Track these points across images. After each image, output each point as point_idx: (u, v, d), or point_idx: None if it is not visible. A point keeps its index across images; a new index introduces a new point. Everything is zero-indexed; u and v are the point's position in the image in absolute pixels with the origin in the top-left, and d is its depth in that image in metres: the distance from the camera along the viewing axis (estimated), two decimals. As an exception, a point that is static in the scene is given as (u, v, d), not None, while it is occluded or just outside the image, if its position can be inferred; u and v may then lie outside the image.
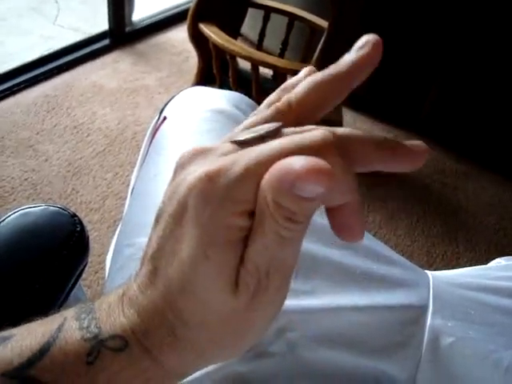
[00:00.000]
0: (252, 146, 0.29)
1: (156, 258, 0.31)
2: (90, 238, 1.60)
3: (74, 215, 0.54)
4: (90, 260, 1.51)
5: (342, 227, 0.29)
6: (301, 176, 0.24)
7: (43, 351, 0.32)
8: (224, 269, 0.29)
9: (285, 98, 0.32)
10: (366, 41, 0.32)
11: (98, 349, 0.32)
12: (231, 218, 0.28)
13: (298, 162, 0.25)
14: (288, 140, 0.28)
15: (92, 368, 0.32)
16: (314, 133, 0.28)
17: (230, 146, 0.30)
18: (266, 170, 0.26)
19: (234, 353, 0.35)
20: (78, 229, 0.52)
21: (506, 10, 1.74)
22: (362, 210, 0.29)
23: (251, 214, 0.28)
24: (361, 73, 0.32)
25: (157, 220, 0.32)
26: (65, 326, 0.33)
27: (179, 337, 0.31)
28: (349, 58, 0.32)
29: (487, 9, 1.77)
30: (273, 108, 0.32)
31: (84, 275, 1.49)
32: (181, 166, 0.31)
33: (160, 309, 0.31)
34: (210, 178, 0.28)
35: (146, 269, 0.32)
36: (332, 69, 0.32)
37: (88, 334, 0.32)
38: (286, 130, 0.30)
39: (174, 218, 0.30)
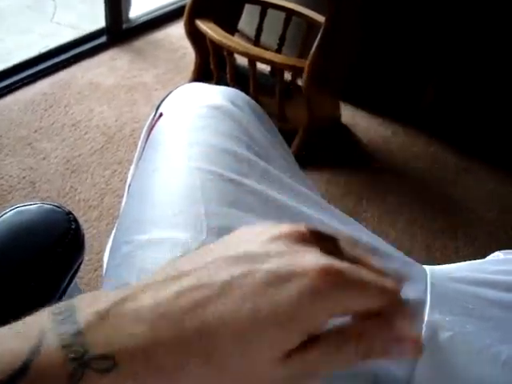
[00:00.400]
0: None
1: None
2: (89, 235, 1.60)
3: (69, 213, 0.53)
4: (88, 258, 1.51)
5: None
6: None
7: (18, 375, 0.28)
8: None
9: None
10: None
11: (81, 371, 0.29)
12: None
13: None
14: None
15: None
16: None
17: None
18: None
19: None
20: (73, 226, 0.52)
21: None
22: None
23: None
24: None
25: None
26: (44, 343, 0.29)
27: (186, 371, 0.30)
28: None
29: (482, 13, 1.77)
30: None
31: (82, 273, 1.49)
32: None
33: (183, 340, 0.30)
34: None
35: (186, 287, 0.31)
36: None
37: (72, 354, 0.29)
38: None
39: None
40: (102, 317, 0.30)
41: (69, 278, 0.51)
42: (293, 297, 0.30)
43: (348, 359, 0.33)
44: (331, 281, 0.31)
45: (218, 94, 0.77)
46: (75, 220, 0.53)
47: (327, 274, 0.31)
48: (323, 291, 0.31)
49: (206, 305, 0.30)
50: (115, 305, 0.30)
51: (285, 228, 0.36)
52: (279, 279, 0.31)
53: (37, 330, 0.30)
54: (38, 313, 0.31)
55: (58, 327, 0.30)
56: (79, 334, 0.29)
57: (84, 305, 0.31)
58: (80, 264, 0.54)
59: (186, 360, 0.30)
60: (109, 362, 0.29)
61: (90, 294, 0.32)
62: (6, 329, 0.30)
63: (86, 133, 1.92)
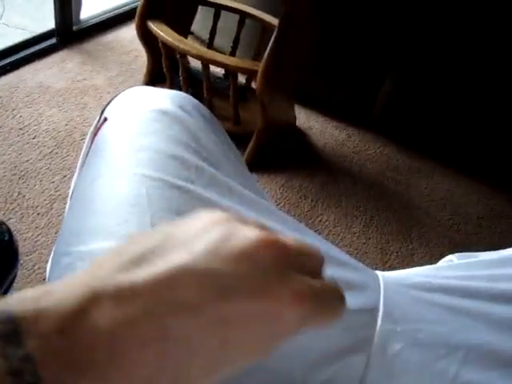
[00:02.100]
0: None
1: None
2: (38, 243, 1.54)
3: (2, 223, 0.50)
4: (38, 267, 1.46)
5: None
6: None
7: None
8: None
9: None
10: None
11: None
12: None
13: None
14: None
15: None
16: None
17: None
18: None
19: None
20: (6, 238, 0.48)
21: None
22: None
23: None
24: None
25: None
26: None
27: None
28: None
29: (437, 7, 1.78)
30: None
31: (32, 283, 1.44)
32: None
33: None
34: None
35: (141, 308, 0.27)
36: None
37: (21, 383, 0.24)
38: None
39: None
40: (57, 340, 0.26)
41: (2, 292, 0.48)
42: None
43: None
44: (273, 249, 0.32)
45: (165, 99, 0.74)
46: (8, 231, 0.50)
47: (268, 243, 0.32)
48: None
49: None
50: (67, 324, 0.26)
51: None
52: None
53: None
54: None
55: (3, 348, 0.25)
56: (28, 359, 0.25)
57: (28, 320, 0.26)
58: (14, 278, 0.51)
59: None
60: None
61: (28, 300, 0.27)
62: None
63: (34, 137, 1.86)
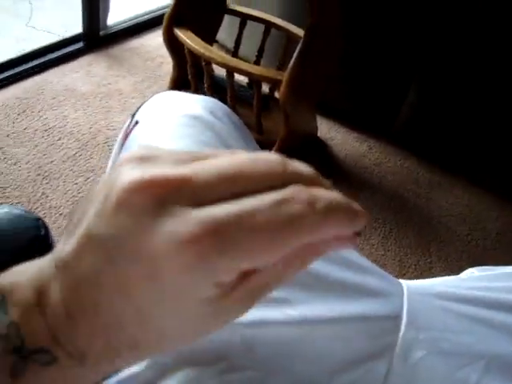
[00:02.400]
0: None
1: (85, 285, 0.28)
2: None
3: (39, 218, 0.51)
4: (58, 266, 1.48)
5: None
6: None
7: None
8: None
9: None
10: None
11: (23, 362, 0.28)
12: None
13: None
14: None
15: (17, 381, 0.28)
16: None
17: None
18: None
19: (177, 346, 0.33)
20: (42, 233, 0.50)
21: (480, 21, 1.76)
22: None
23: None
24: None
25: (92, 241, 0.28)
26: None
27: (121, 349, 0.29)
28: None
29: (463, 20, 1.79)
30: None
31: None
32: None
33: (98, 333, 0.28)
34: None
35: (69, 283, 0.28)
36: None
37: (10, 346, 0.28)
38: None
39: (129, 271, 0.28)
40: (31, 308, 0.29)
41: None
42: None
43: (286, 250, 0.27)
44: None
45: (196, 104, 0.76)
46: (44, 226, 0.51)
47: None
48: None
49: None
50: (38, 295, 0.29)
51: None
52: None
53: None
54: None
55: None
56: (13, 324, 0.28)
57: (11, 291, 0.29)
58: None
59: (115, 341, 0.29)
60: (48, 355, 0.28)
61: (11, 273, 0.31)
62: None
63: (59, 139, 1.89)
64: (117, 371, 0.35)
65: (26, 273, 0.30)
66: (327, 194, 0.28)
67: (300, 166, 0.30)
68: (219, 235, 0.25)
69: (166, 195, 0.26)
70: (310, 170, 0.31)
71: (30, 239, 0.48)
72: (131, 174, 0.27)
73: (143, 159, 0.28)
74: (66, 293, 0.28)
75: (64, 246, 0.29)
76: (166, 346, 0.32)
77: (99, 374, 0.31)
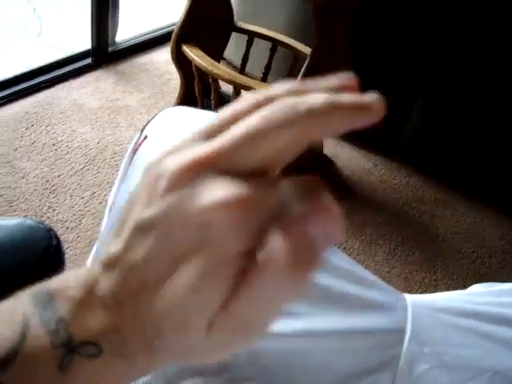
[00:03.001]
0: None
1: (137, 269, 0.29)
2: (65, 257, 1.57)
3: (51, 229, 0.52)
4: (64, 280, 1.49)
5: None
6: None
7: (9, 359, 0.30)
8: (207, 308, 0.28)
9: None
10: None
11: (70, 355, 0.30)
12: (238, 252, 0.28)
13: None
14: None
15: (65, 374, 0.30)
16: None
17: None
18: None
19: (213, 357, 0.34)
20: (54, 243, 0.51)
21: (487, 33, 1.77)
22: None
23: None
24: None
25: (143, 228, 0.29)
26: (30, 330, 0.30)
27: (157, 347, 0.30)
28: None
29: (467, 39, 1.80)
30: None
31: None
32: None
33: (139, 322, 0.30)
34: (245, 208, 0.27)
35: (120, 275, 0.30)
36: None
37: (58, 340, 0.30)
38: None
39: (180, 239, 0.28)
40: (78, 304, 0.30)
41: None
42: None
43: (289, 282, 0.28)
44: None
45: (204, 119, 0.77)
46: (56, 237, 0.52)
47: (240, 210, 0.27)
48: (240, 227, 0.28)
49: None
50: (86, 292, 0.31)
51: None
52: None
53: (20, 316, 0.30)
54: (17, 297, 0.32)
55: (41, 313, 0.30)
56: (62, 320, 0.30)
57: (59, 291, 0.31)
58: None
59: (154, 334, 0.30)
60: (95, 348, 0.30)
61: (59, 278, 0.33)
62: None
63: (66, 153, 1.90)
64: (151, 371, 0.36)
65: (72, 276, 0.32)
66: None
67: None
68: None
69: (200, 172, 0.28)
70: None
71: (44, 249, 0.49)
72: (173, 163, 0.29)
73: (177, 149, 0.30)
74: (116, 285, 0.30)
75: (110, 246, 0.31)
76: (196, 356, 0.33)
77: (138, 371, 0.32)
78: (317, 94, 0.30)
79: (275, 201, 0.28)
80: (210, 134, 0.31)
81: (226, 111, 0.30)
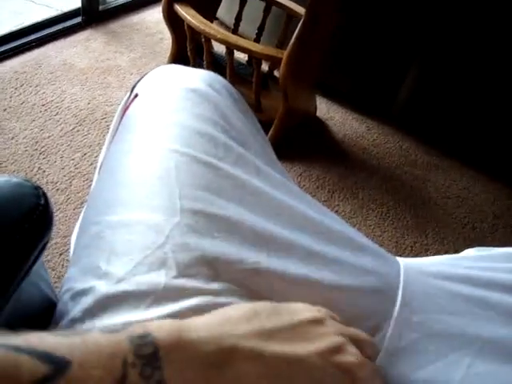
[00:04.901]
0: None
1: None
2: (55, 219, 1.56)
3: (38, 187, 0.51)
4: (54, 241, 1.48)
5: None
6: None
7: None
8: None
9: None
10: None
11: None
12: None
13: None
14: None
15: None
16: None
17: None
18: None
19: None
20: (42, 202, 0.50)
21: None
22: None
23: None
24: None
25: None
26: (128, 378, 0.31)
27: None
28: None
29: (463, 2, 1.77)
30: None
31: (48, 257, 1.46)
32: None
33: None
34: None
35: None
36: None
37: None
38: None
39: None
40: (190, 375, 0.34)
41: (36, 255, 0.49)
42: None
43: None
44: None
45: (195, 77, 0.75)
46: (44, 195, 0.51)
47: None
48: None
49: None
50: (210, 368, 0.35)
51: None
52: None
53: (120, 361, 0.31)
54: (115, 336, 0.33)
55: (142, 367, 0.31)
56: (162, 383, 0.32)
57: (168, 348, 0.33)
58: (47, 242, 0.52)
59: None
60: None
61: (170, 329, 0.36)
62: (88, 352, 0.31)
63: (56, 114, 1.88)
64: None
65: (191, 335, 0.37)
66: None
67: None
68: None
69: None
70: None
71: (30, 208, 0.48)
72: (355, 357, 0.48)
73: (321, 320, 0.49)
74: (251, 377, 0.39)
75: (258, 343, 0.41)
76: None
77: None
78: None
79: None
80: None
81: None
